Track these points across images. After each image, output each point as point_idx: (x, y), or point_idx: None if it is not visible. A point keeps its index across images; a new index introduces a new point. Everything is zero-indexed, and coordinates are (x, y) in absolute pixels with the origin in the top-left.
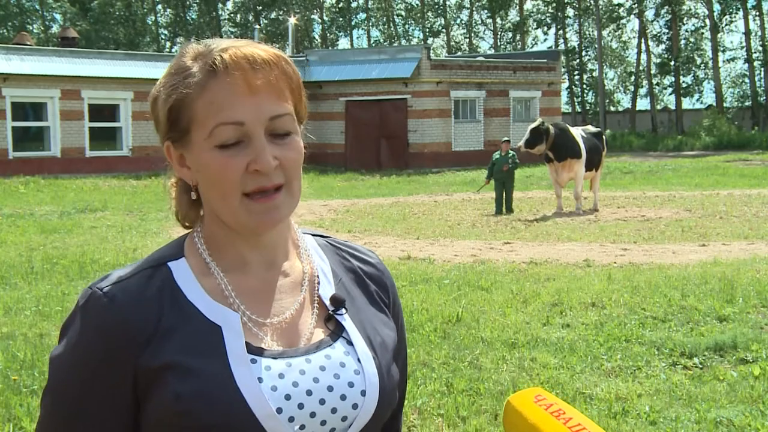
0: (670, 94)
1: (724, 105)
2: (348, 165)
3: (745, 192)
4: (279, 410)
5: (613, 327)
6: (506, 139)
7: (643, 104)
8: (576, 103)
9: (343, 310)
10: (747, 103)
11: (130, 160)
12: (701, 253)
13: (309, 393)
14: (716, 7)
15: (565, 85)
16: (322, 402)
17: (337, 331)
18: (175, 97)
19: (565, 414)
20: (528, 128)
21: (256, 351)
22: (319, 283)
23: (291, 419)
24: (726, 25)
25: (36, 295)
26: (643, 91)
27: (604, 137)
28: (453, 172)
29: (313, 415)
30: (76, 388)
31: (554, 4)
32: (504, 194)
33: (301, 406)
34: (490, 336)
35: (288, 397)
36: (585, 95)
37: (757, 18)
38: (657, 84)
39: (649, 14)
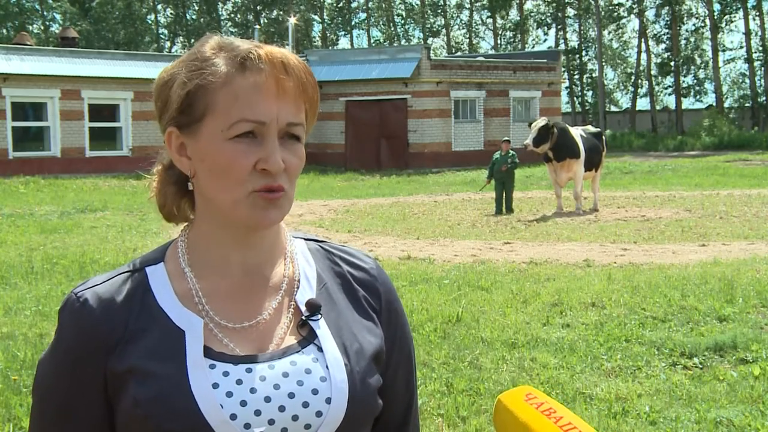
0: (670, 94)
1: (725, 105)
2: (348, 165)
3: (745, 192)
4: (233, 416)
5: (613, 327)
6: (506, 138)
7: (643, 104)
8: (576, 103)
9: (318, 316)
10: (747, 104)
11: (130, 160)
12: (701, 253)
13: (267, 399)
14: (716, 7)
15: (565, 85)
16: (281, 409)
17: (309, 337)
18: (198, 82)
19: (556, 413)
20: (535, 126)
21: (216, 356)
22: (298, 287)
23: (247, 426)
24: (726, 25)
25: (36, 295)
26: (643, 91)
27: (603, 137)
28: (453, 172)
29: (272, 422)
30: (57, 390)
31: (554, 4)
32: (504, 194)
33: (257, 412)
34: (490, 336)
35: (244, 404)
36: (585, 95)
37: (757, 18)
38: (657, 84)
39: (650, 14)
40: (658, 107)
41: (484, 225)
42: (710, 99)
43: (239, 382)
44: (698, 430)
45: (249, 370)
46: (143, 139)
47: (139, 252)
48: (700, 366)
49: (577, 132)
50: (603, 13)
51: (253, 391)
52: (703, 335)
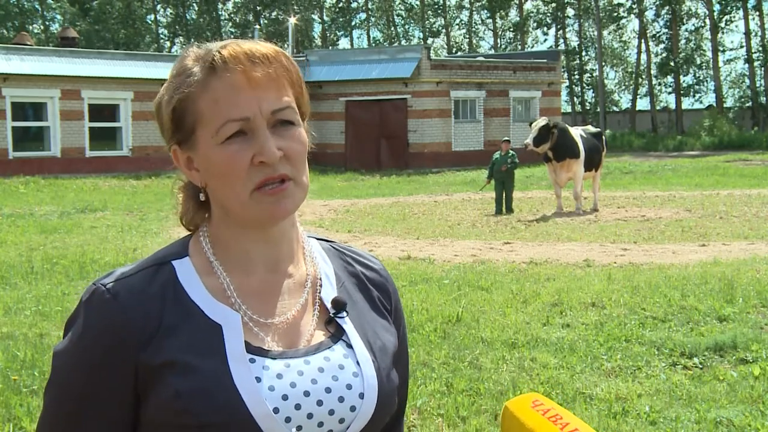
0: (670, 94)
1: (725, 105)
2: (348, 165)
3: (745, 192)
4: (276, 410)
5: (613, 327)
6: (506, 138)
7: (643, 104)
8: (576, 103)
9: (344, 313)
10: (747, 104)
11: (130, 160)
12: (701, 253)
13: (306, 394)
14: (716, 7)
15: (565, 85)
16: (319, 403)
17: (337, 334)
18: (178, 98)
19: (563, 419)
20: (536, 126)
21: (255, 351)
22: (321, 285)
23: (288, 419)
24: (726, 25)
25: (36, 295)
26: (643, 91)
27: (603, 137)
28: (453, 172)
29: (310, 416)
30: (79, 383)
31: (554, 4)
32: (504, 194)
33: (298, 406)
34: (490, 336)
35: (285, 398)
36: (585, 95)
37: (757, 18)
38: (657, 84)
39: (649, 14)
40: (658, 107)
41: (484, 225)
42: (710, 99)
43: (279, 376)
44: (698, 430)
45: (287, 365)
46: (143, 139)
47: (139, 252)
48: (700, 366)
49: (577, 132)
50: (603, 13)
51: (293, 385)
52: (703, 335)
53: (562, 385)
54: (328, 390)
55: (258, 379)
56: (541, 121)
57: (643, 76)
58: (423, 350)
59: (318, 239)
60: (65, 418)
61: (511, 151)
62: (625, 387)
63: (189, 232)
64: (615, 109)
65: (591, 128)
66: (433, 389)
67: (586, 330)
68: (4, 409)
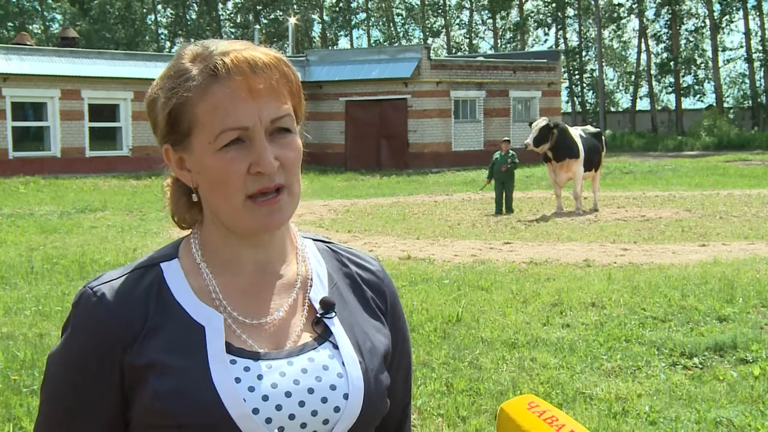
0: (670, 93)
1: (724, 105)
2: (348, 165)
3: (745, 192)
4: (255, 411)
5: (613, 327)
6: (506, 138)
7: (643, 104)
8: (576, 103)
9: (333, 314)
10: (747, 104)
11: (130, 160)
12: (701, 253)
13: (288, 395)
14: (716, 7)
15: (565, 85)
16: (301, 404)
17: (324, 335)
18: (176, 101)
19: (558, 421)
20: (536, 126)
21: (236, 352)
22: (311, 285)
23: (268, 420)
24: (726, 25)
25: (36, 295)
26: (643, 91)
27: (603, 137)
28: (453, 172)
29: (291, 417)
30: (70, 385)
31: (554, 4)
32: (504, 194)
33: (279, 407)
34: (490, 336)
35: (265, 398)
36: (585, 95)
37: (757, 18)
38: (657, 84)
39: (649, 14)
40: (658, 107)
41: (484, 225)
42: (710, 99)
43: (260, 377)
44: (698, 430)
45: (269, 366)
46: (143, 139)
47: (139, 252)
48: (700, 366)
49: (576, 132)
50: (603, 13)
51: (274, 386)
52: (703, 335)
53: (562, 385)
54: (310, 391)
55: (237, 380)
56: (541, 121)
57: (643, 76)
58: (423, 350)
59: (315, 240)
60: (58, 420)
61: (511, 151)
62: (625, 387)
63: (183, 231)
64: (615, 109)
65: (591, 128)
66: (433, 389)
67: (586, 330)
68: (4, 409)
